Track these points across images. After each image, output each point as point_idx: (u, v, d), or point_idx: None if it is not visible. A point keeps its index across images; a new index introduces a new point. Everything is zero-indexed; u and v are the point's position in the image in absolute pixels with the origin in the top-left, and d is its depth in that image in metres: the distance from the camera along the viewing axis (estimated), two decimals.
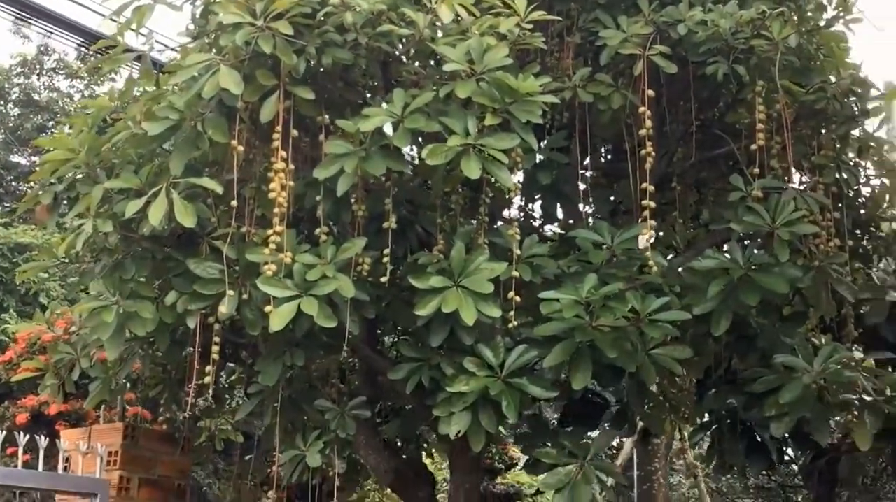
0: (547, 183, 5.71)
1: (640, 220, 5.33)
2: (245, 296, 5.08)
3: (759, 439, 6.65)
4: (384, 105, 4.91)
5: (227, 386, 7.32)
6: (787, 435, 6.85)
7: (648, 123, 5.20)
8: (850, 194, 6.08)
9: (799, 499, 12.97)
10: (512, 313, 5.03)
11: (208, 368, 5.17)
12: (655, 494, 9.24)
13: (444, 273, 5.02)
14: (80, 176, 5.27)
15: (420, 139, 5.25)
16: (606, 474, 5.29)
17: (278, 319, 4.74)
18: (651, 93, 5.21)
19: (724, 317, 5.21)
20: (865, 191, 6.31)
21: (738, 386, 6.11)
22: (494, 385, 4.98)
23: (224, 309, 4.89)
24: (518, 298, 5.05)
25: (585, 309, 4.94)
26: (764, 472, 12.99)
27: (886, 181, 6.22)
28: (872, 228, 6.39)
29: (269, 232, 4.88)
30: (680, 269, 5.58)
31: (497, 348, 5.11)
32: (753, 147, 5.34)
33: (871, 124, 5.89)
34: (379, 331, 6.53)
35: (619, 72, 5.67)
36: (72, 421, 8.14)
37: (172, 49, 5.55)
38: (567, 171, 5.91)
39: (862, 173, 6.17)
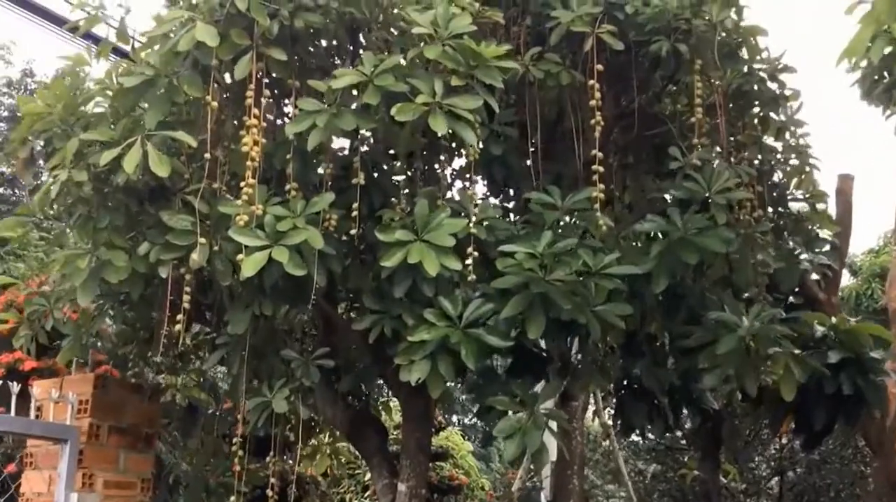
0: (498, 154, 5.18)
1: (585, 185, 4.85)
2: (216, 248, 4.48)
3: (657, 404, 6.28)
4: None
5: (192, 345, 6.62)
6: (680, 400, 6.52)
7: (598, 95, 4.70)
8: (766, 171, 5.67)
9: (685, 459, 12.70)
10: (470, 267, 4.50)
11: (179, 316, 4.53)
12: (574, 450, 8.74)
13: (408, 228, 4.48)
14: (56, 131, 4.60)
15: (384, 105, 4.67)
16: (554, 421, 4.78)
17: (250, 266, 4.14)
18: (600, 67, 4.72)
19: (663, 276, 4.73)
20: (779, 172, 5.90)
21: (643, 355, 5.69)
22: (454, 334, 4.42)
23: (196, 256, 4.26)
24: (476, 253, 4.53)
25: (539, 264, 4.43)
26: (652, 437, 12.77)
27: (796, 162, 5.81)
28: (780, 208, 5.99)
29: (242, 184, 4.29)
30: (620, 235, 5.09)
31: (455, 300, 4.56)
32: (692, 120, 4.88)
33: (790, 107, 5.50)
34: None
35: (563, 56, 5.17)
36: (45, 376, 7.33)
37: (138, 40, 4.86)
38: (512, 145, 5.40)
39: (778, 155, 5.76)
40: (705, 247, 4.59)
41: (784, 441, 12.21)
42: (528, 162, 5.43)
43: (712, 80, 4.96)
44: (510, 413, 4.71)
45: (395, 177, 5.14)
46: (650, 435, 12.95)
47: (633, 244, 5.08)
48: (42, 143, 4.74)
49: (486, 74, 4.30)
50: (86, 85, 4.70)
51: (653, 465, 14.18)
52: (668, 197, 5.81)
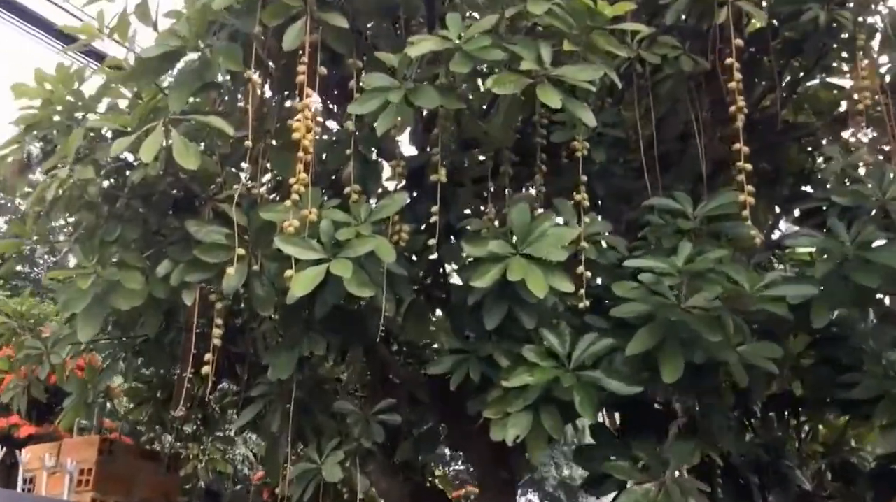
0: (601, 160, 4.23)
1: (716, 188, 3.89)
2: (255, 268, 3.54)
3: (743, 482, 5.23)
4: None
5: (218, 408, 5.64)
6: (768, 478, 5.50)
7: (738, 76, 3.75)
8: None
9: None
10: (582, 291, 3.53)
11: (207, 356, 3.56)
12: None
13: (504, 239, 3.52)
14: (58, 126, 3.72)
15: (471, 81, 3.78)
16: (691, 495, 3.72)
17: (302, 284, 3.18)
18: (739, 42, 3.79)
19: (825, 306, 3.71)
20: None
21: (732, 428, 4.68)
22: (565, 377, 3.42)
23: (231, 271, 3.31)
24: (589, 273, 3.56)
25: (671, 286, 3.44)
26: None
27: None
28: None
29: (292, 180, 3.36)
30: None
31: (563, 334, 3.57)
32: (860, 106, 3.92)
33: None
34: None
35: (682, 41, 4.27)
36: None
37: None
38: (617, 152, 4.47)
39: None
40: (888, 267, 3.57)
41: None
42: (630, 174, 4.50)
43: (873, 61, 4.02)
44: (631, 482, 3.70)
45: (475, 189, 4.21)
46: None
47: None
48: (41, 145, 3.86)
49: (605, 40, 3.38)
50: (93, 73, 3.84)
51: None
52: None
